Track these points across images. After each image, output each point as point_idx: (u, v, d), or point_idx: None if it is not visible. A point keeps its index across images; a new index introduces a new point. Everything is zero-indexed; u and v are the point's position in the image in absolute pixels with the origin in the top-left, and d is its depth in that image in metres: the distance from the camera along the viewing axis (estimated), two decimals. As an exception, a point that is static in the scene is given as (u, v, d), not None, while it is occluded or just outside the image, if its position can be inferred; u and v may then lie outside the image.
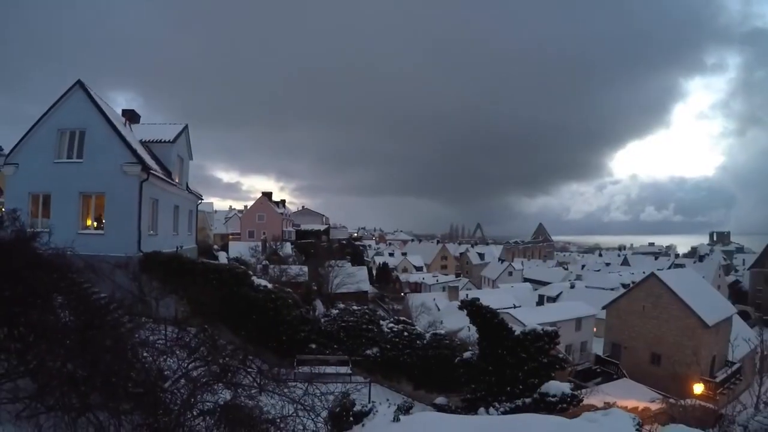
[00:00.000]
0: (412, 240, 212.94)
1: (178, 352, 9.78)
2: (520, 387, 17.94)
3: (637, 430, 10.92)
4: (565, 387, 16.94)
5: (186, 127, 36.90)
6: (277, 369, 12.45)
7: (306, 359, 25.27)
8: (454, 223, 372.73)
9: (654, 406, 34.04)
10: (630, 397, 36.81)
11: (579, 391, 25.81)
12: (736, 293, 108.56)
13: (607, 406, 26.77)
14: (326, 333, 28.33)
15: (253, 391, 9.51)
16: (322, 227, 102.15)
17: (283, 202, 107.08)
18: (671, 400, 34.84)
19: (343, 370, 25.69)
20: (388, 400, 19.57)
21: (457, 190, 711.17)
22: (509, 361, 18.49)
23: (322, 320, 29.71)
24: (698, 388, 42.64)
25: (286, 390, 10.09)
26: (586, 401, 26.10)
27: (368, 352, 27.84)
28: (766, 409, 10.09)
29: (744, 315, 77.51)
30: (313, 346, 27.16)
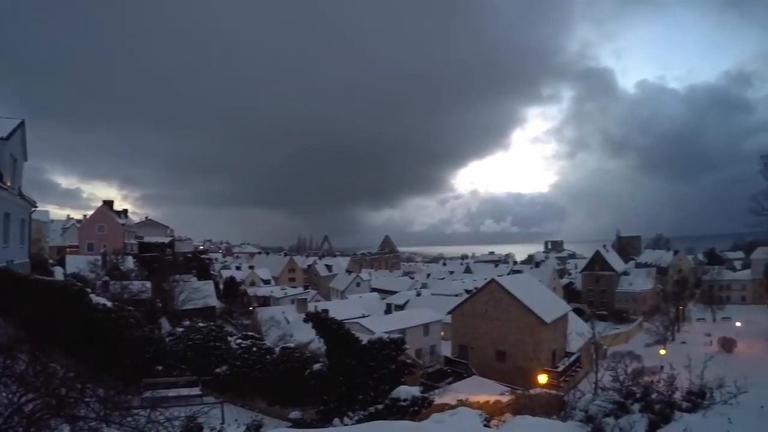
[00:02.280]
0: (260, 253, 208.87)
1: (7, 384, 8.90)
2: (372, 394, 18.00)
3: (485, 425, 11.21)
4: (414, 390, 17.18)
5: (23, 123, 32.00)
6: (122, 396, 11.66)
7: (153, 383, 23.12)
8: (302, 235, 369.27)
9: (504, 399, 35.72)
10: (481, 392, 38.40)
11: (431, 392, 26.38)
12: (570, 293, 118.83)
13: (460, 403, 27.58)
14: (173, 353, 27.11)
15: (94, 423, 8.83)
16: (167, 239, 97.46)
17: (125, 211, 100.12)
18: (519, 392, 36.75)
19: (193, 391, 24.38)
20: (237, 420, 19.05)
21: (306, 201, 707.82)
22: (359, 370, 18.51)
23: (168, 339, 28.39)
24: (543, 378, 45.57)
25: (130, 419, 9.46)
26: (440, 401, 26.70)
27: (218, 370, 26.98)
28: (603, 394, 10.68)
29: (578, 312, 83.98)
30: (160, 368, 25.72)
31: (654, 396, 8.72)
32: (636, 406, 8.49)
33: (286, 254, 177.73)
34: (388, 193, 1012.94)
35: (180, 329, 30.19)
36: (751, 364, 55.66)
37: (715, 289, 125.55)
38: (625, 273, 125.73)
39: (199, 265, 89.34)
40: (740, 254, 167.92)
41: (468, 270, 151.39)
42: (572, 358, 54.25)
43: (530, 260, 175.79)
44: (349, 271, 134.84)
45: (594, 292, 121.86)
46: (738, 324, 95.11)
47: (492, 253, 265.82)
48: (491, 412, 25.14)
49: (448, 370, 51.22)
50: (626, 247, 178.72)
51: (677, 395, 8.90)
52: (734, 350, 74.62)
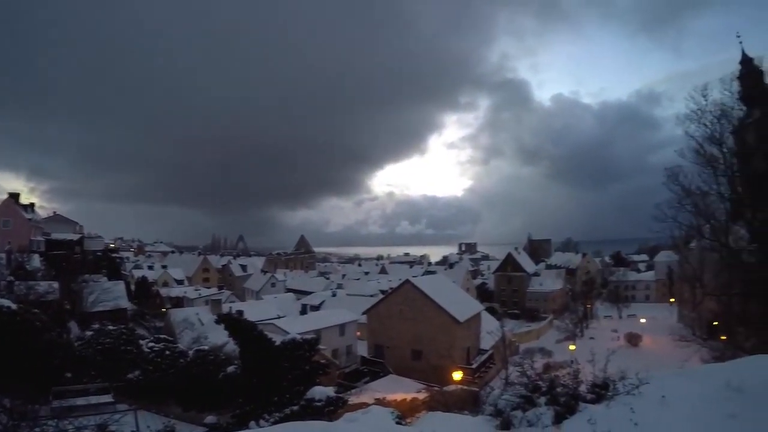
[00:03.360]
0: (173, 252, 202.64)
1: None
2: (287, 396, 18.03)
3: (397, 422, 11.41)
4: (329, 390, 17.31)
5: None
6: (29, 406, 11.26)
7: (62, 391, 22.30)
8: (217, 234, 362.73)
9: (421, 396, 36.33)
10: (398, 391, 38.81)
11: (349, 392, 26.54)
12: (483, 293, 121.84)
13: (378, 402, 27.81)
14: (82, 358, 25.94)
15: (1, 435, 8.54)
16: (76, 237, 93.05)
17: (32, 206, 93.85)
18: (435, 389, 37.45)
19: (105, 398, 23.01)
20: (149, 427, 18.61)
21: (221, 199, 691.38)
22: (273, 372, 18.50)
23: (77, 344, 27.37)
24: (457, 376, 46.28)
25: (37, 429, 9.17)
26: (357, 400, 26.85)
27: (130, 376, 25.96)
28: (511, 388, 11.06)
29: (491, 311, 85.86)
30: (69, 374, 24.50)
31: (559, 389, 9.06)
32: (542, 399, 8.82)
33: (200, 254, 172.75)
34: (304, 193, 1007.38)
35: (89, 333, 29.25)
36: (655, 357, 58.56)
37: (620, 288, 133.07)
38: (536, 274, 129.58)
39: (109, 264, 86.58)
40: (645, 257, 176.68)
41: (383, 271, 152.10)
42: (485, 355, 55.62)
43: (445, 261, 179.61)
44: (264, 271, 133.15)
45: (506, 291, 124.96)
46: (643, 320, 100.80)
47: (407, 254, 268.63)
48: (407, 410, 25.52)
49: (365, 370, 51.57)
50: (537, 249, 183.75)
51: (582, 388, 9.26)
52: (640, 344, 78.14)
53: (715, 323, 50.21)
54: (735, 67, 50.24)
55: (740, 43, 58.09)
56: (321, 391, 16.99)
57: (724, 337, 42.90)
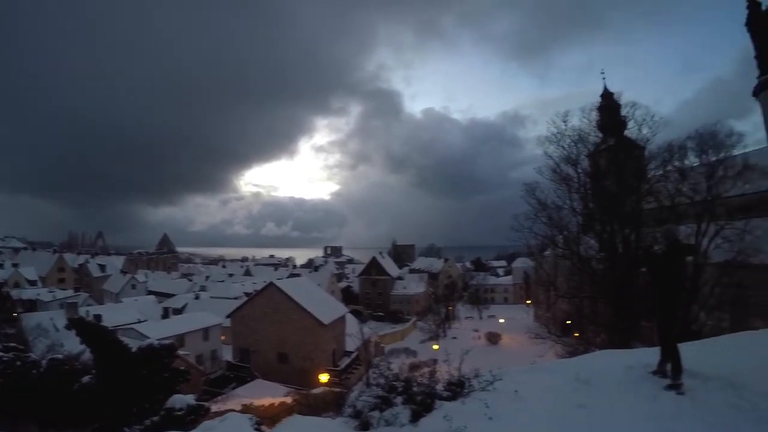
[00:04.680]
0: (26, 248, 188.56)
1: None
2: (147, 406, 17.50)
3: (255, 429, 11.38)
4: (189, 398, 16.92)
5: None
6: None
7: None
8: (74, 230, 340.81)
9: (289, 399, 36.22)
10: (266, 395, 38.58)
11: (215, 399, 26.03)
12: (348, 296, 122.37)
13: (245, 408, 27.55)
14: None
15: None
16: None
17: None
18: (303, 392, 37.50)
19: None
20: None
21: (79, 191, 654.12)
22: (130, 381, 17.89)
23: None
24: (324, 378, 46.98)
25: None
26: (224, 407, 26.44)
27: (-27, 391, 24.44)
28: (370, 389, 11.27)
29: (356, 313, 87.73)
30: None
31: (415, 388, 9.28)
32: (399, 399, 9.01)
33: (55, 251, 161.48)
34: (168, 189, 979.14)
35: None
36: (514, 354, 63.39)
37: (481, 291, 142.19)
38: (400, 278, 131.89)
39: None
40: (503, 263, 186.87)
41: (248, 273, 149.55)
42: (351, 357, 56.46)
43: (310, 264, 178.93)
44: (124, 272, 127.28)
45: (371, 294, 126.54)
46: (502, 321, 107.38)
47: (272, 256, 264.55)
48: (274, 415, 25.38)
49: (231, 375, 50.51)
50: (401, 254, 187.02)
51: (439, 386, 9.54)
52: (499, 343, 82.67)
53: (568, 322, 53.80)
54: (594, 98, 58.91)
55: (603, 79, 69.40)
56: (181, 400, 16.57)
57: (576, 335, 46.34)
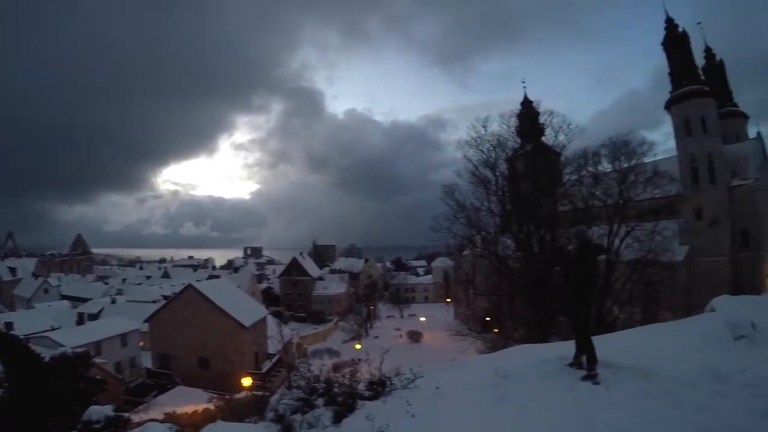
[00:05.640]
0: None
1: None
2: (64, 419, 16.90)
3: (175, 438, 11.22)
4: (107, 410, 16.35)
5: None
6: None
7: None
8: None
9: (213, 406, 35.57)
10: (188, 402, 37.74)
11: (136, 408, 25.35)
12: (269, 297, 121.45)
13: (168, 416, 26.97)
14: None
15: None
16: None
17: None
18: (226, 397, 36.94)
19: None
20: None
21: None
22: (44, 393, 17.24)
23: None
24: (246, 381, 46.03)
25: None
26: (145, 416, 25.84)
27: None
28: (291, 392, 11.25)
29: (278, 314, 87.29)
30: None
31: (337, 389, 9.31)
32: (320, 401, 9.02)
33: None
34: (83, 186, 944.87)
35: None
36: (435, 351, 63.45)
37: (401, 290, 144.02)
38: (321, 278, 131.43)
39: None
40: (423, 263, 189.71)
41: (166, 275, 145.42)
42: (274, 359, 55.92)
43: (230, 265, 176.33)
44: (36, 275, 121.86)
45: (292, 295, 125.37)
46: (423, 319, 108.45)
47: (191, 257, 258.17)
48: (194, 422, 24.94)
49: (152, 383, 49.10)
50: (322, 254, 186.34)
51: (361, 386, 9.59)
52: (421, 340, 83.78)
53: (487, 319, 55.04)
54: (513, 105, 64.40)
55: (524, 87, 77.78)
56: (98, 411, 15.98)
57: (496, 330, 47.55)
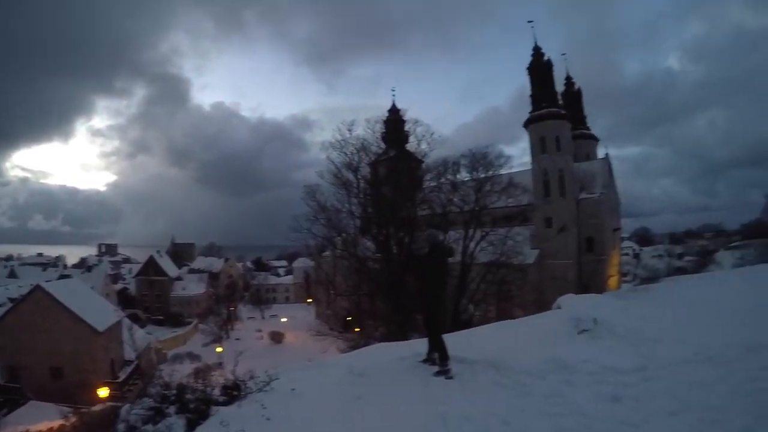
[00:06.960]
0: None
1: None
2: None
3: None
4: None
5: None
6: None
7: None
8: None
9: (69, 421, 33.75)
10: (42, 419, 35.21)
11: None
12: (125, 299, 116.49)
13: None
14: None
15: None
16: None
17: None
18: (83, 410, 35.09)
19: None
20: None
21: None
22: None
23: None
24: (103, 392, 44.24)
25: None
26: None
27: None
28: (141, 401, 11.06)
29: (135, 317, 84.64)
30: None
31: (189, 395, 9.19)
32: (172, 409, 8.88)
33: None
34: None
35: None
36: (297, 352, 64.55)
37: (262, 291, 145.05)
38: (179, 278, 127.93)
39: None
40: (284, 263, 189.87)
41: (13, 274, 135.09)
42: (132, 366, 53.62)
43: (83, 264, 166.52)
44: None
45: (149, 297, 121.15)
46: (284, 320, 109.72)
47: (41, 254, 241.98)
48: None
49: (0, 400, 45.71)
50: (181, 253, 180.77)
51: (215, 391, 9.52)
52: (283, 341, 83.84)
53: (348, 318, 55.90)
54: (380, 111, 67.07)
55: (393, 95, 77.84)
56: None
57: (357, 329, 48.24)
